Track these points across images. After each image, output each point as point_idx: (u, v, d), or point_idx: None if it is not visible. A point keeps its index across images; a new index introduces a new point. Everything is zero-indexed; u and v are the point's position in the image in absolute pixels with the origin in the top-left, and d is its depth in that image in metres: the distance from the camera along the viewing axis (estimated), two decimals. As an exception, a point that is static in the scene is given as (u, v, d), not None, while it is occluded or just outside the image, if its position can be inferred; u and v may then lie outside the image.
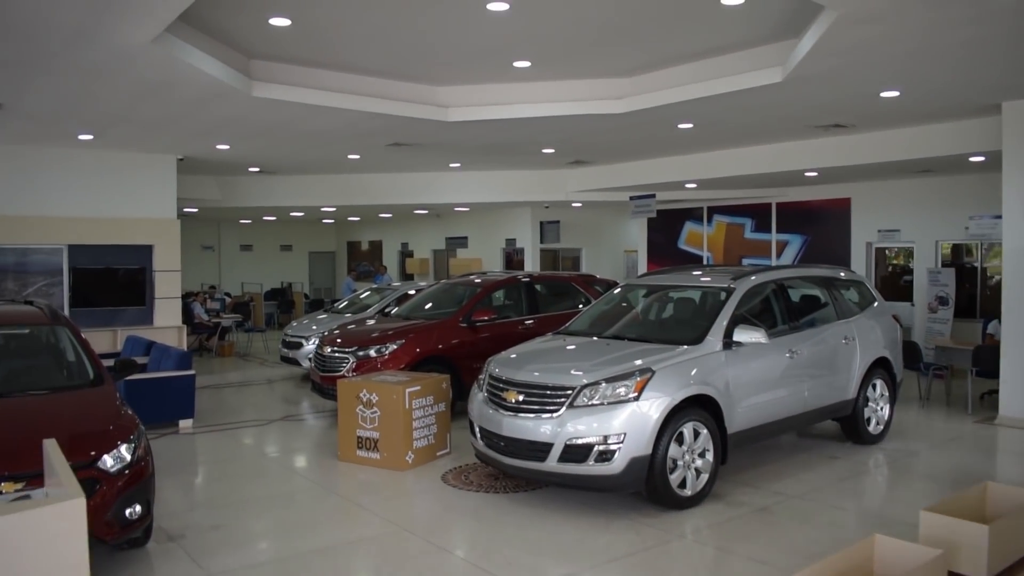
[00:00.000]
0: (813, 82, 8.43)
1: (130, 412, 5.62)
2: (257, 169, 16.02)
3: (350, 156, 14.22)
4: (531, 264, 20.30)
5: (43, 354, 6.31)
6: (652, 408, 6.14)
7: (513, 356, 7.25)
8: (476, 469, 7.57)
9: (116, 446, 5.13)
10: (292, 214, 21.92)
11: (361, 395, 7.84)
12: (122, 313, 13.43)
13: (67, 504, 2.83)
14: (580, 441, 6.11)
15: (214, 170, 16.02)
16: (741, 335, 6.91)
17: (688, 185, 15.74)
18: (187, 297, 17.58)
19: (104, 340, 13.08)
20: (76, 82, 8.33)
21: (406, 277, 25.06)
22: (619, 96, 10.04)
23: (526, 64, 9.17)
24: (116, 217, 13.20)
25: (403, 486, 7.28)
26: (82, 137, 11.72)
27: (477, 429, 6.96)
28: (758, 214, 17.37)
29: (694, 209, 18.56)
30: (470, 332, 10.06)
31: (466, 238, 22.68)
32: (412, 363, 9.48)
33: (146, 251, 13.57)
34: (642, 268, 19.67)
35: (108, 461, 5.05)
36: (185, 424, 9.75)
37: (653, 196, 15.75)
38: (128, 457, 5.13)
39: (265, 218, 24.55)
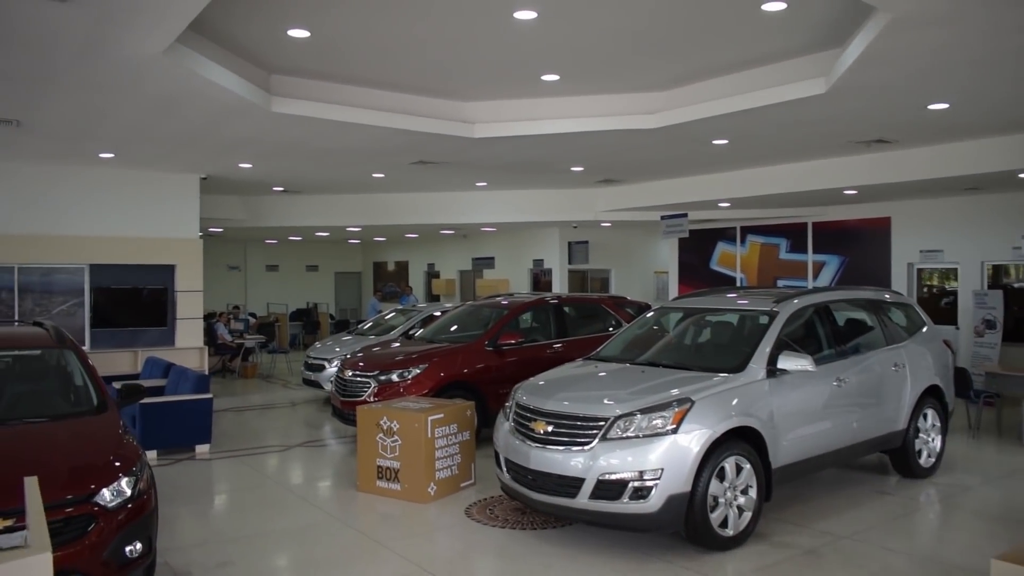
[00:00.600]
0: (858, 93, 7.98)
1: (133, 442, 5.28)
2: (281, 188, 15.82)
3: (374, 175, 13.94)
4: (559, 285, 19.89)
5: (46, 379, 6.00)
6: (692, 441, 5.71)
7: (541, 383, 6.85)
8: (502, 502, 7.16)
9: (116, 479, 4.80)
10: (317, 234, 21.71)
11: (381, 423, 7.47)
12: (143, 334, 13.22)
13: (31, 560, 2.49)
14: (614, 476, 5.68)
15: (238, 189, 15.83)
16: (786, 362, 6.46)
17: (721, 204, 15.28)
18: (210, 317, 17.39)
19: (125, 361, 12.88)
20: (91, 97, 8.10)
21: (432, 298, 24.74)
22: (652, 111, 9.66)
23: (554, 77, 8.83)
24: (138, 236, 13.02)
25: (424, 520, 6.87)
26: (103, 155, 11.53)
27: (503, 461, 6.55)
28: (793, 234, 16.86)
29: (727, 229, 18.09)
30: (496, 356, 9.67)
31: (493, 258, 22.34)
32: (436, 388, 9.10)
33: (168, 271, 13.36)
34: (673, 289, 19.20)
35: (106, 495, 4.71)
36: (202, 449, 9.44)
37: (685, 215, 15.32)
38: (128, 491, 4.79)
39: (291, 238, 24.40)
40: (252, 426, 11.49)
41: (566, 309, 10.92)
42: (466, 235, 22.73)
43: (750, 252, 17.72)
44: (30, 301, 12.41)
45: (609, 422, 5.83)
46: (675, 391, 6.02)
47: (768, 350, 6.54)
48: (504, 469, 6.52)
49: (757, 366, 6.43)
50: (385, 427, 7.44)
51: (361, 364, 9.70)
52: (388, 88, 9.23)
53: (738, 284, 17.68)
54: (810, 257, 16.55)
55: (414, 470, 7.29)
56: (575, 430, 5.96)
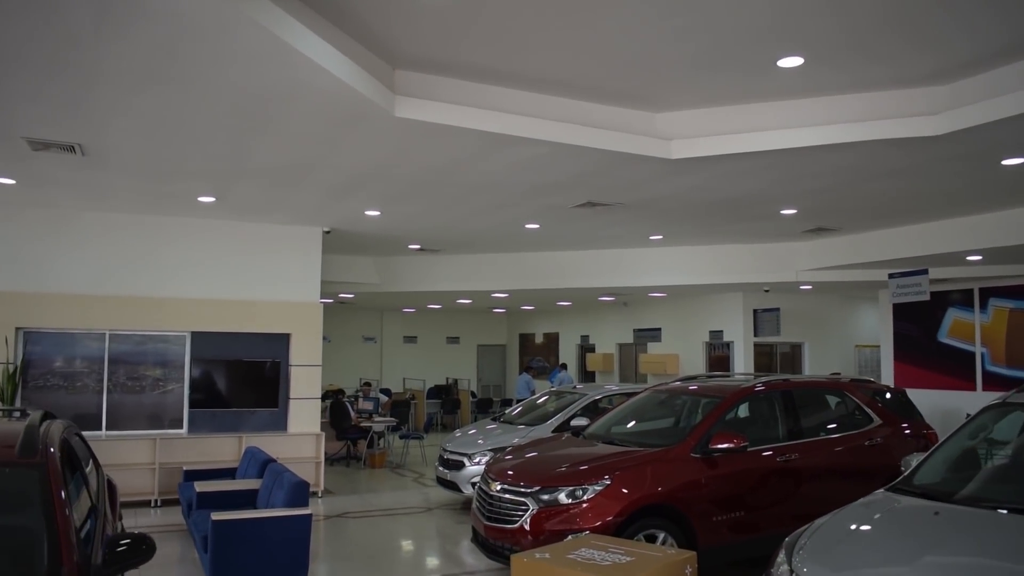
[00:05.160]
0: None
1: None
2: (418, 246, 13.53)
3: (527, 225, 11.40)
4: (743, 363, 16.56)
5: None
6: None
7: (841, 547, 3.83)
8: None
9: None
10: (459, 301, 19.40)
11: (549, 586, 4.63)
12: (250, 416, 11.03)
13: None
14: None
15: (369, 248, 13.69)
16: None
17: (970, 258, 11.81)
18: (335, 395, 15.18)
19: (227, 449, 10.71)
20: (148, 98, 5.88)
21: (587, 375, 21.82)
22: (931, 112, 6.65)
23: (796, 61, 6.01)
24: (248, 300, 10.95)
25: None
26: (203, 199, 9.50)
27: None
28: (1057, 297, 13.09)
29: (959, 291, 14.42)
30: (706, 467, 6.66)
31: (659, 330, 19.23)
32: (623, 515, 6.17)
33: (282, 341, 11.19)
34: (887, 367, 15.54)
35: None
36: (295, 586, 6.86)
37: (925, 272, 11.91)
38: None
39: (430, 306, 22.21)
40: (370, 542, 8.88)
41: (795, 397, 7.80)
42: (627, 303, 19.84)
43: (995, 320, 13.93)
44: (122, 374, 10.48)
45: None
46: None
47: None
48: None
49: None
50: (555, 594, 4.60)
51: (511, 474, 6.89)
52: (548, 90, 6.65)
53: (979, 360, 13.94)
54: (1086, 328, 12.71)
55: (603, 671, 4.39)
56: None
